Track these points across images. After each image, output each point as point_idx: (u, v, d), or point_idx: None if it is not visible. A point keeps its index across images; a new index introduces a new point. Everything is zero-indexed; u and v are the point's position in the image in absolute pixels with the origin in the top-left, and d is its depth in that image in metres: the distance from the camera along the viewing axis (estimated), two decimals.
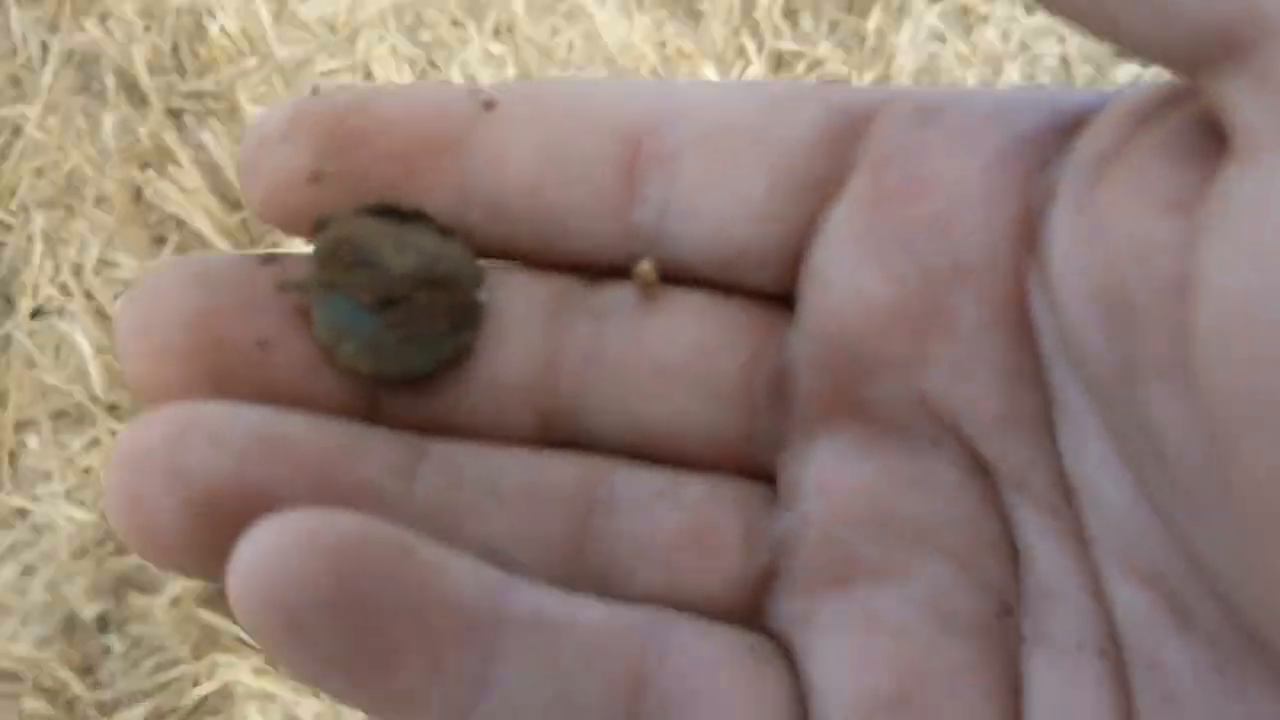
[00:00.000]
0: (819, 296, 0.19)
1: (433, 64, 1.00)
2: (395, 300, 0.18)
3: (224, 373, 0.18)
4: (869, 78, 0.99)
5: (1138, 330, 0.15)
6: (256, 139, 0.19)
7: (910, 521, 0.18)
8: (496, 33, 1.01)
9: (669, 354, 0.19)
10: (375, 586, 0.16)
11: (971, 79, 1.01)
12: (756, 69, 1.00)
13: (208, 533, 0.16)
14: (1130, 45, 0.15)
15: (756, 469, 0.19)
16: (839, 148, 0.19)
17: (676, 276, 0.19)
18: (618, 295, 0.19)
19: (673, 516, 0.19)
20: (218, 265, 0.18)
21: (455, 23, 1.02)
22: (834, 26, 1.03)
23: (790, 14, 1.04)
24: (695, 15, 1.04)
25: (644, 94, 0.20)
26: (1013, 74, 1.02)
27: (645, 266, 0.19)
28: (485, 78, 0.98)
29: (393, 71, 0.98)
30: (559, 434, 0.19)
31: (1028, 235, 0.17)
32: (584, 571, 0.18)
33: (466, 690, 0.16)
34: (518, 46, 1.01)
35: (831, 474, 0.18)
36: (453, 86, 0.19)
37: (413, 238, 0.19)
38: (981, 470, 0.18)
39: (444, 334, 0.19)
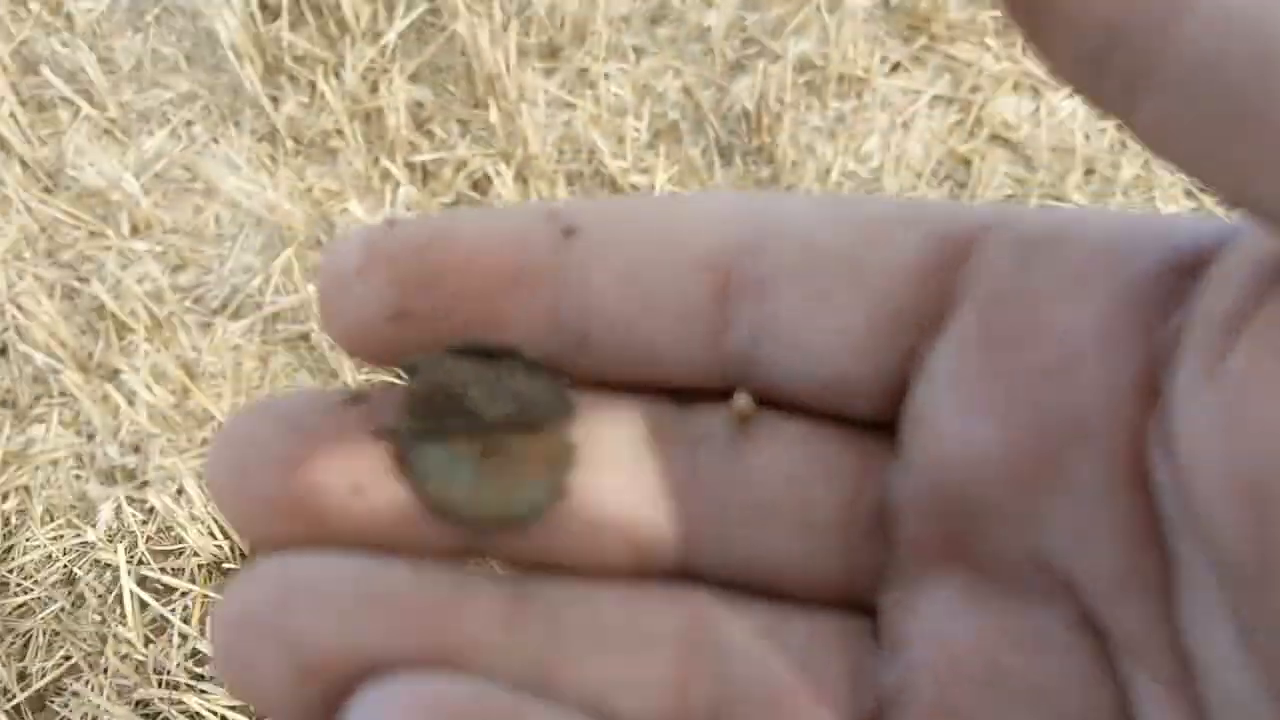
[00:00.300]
0: (926, 442, 0.18)
1: (81, 279, 0.98)
2: (492, 447, 0.18)
3: (321, 519, 0.17)
4: (514, 165, 1.02)
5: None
6: (333, 273, 0.18)
7: (1022, 682, 0.17)
8: (135, 230, 1.00)
9: (766, 488, 0.19)
10: None
11: (601, 135, 1.05)
12: (407, 189, 1.01)
13: (317, 695, 0.16)
14: (1264, 211, 0.14)
15: (856, 602, 0.19)
16: (939, 278, 0.18)
17: (771, 401, 0.19)
18: (712, 420, 0.19)
19: (778, 659, 0.18)
20: (303, 406, 0.18)
21: (93, 233, 1.00)
22: (464, 125, 1.06)
23: (420, 125, 1.06)
24: (331, 153, 1.05)
25: (728, 214, 0.19)
26: (645, 118, 1.07)
27: (742, 402, 0.19)
28: (135, 280, 0.96)
29: (43, 298, 0.96)
30: (657, 567, 0.19)
31: (1148, 390, 0.16)
32: (691, 715, 0.18)
33: None
34: (164, 237, 1.00)
35: (941, 626, 0.18)
36: (531, 211, 0.19)
37: (503, 379, 0.18)
38: (1095, 631, 0.17)
39: (540, 476, 0.18)
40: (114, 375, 0.94)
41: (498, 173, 1.01)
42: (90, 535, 0.89)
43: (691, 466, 0.19)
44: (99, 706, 0.82)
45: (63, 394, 0.94)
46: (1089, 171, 1.04)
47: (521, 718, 0.16)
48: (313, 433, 0.18)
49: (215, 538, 0.89)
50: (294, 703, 0.16)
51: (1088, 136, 1.06)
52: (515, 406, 0.18)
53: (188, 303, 0.97)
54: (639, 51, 1.12)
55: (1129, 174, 1.03)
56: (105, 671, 0.84)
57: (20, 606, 0.87)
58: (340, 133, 1.04)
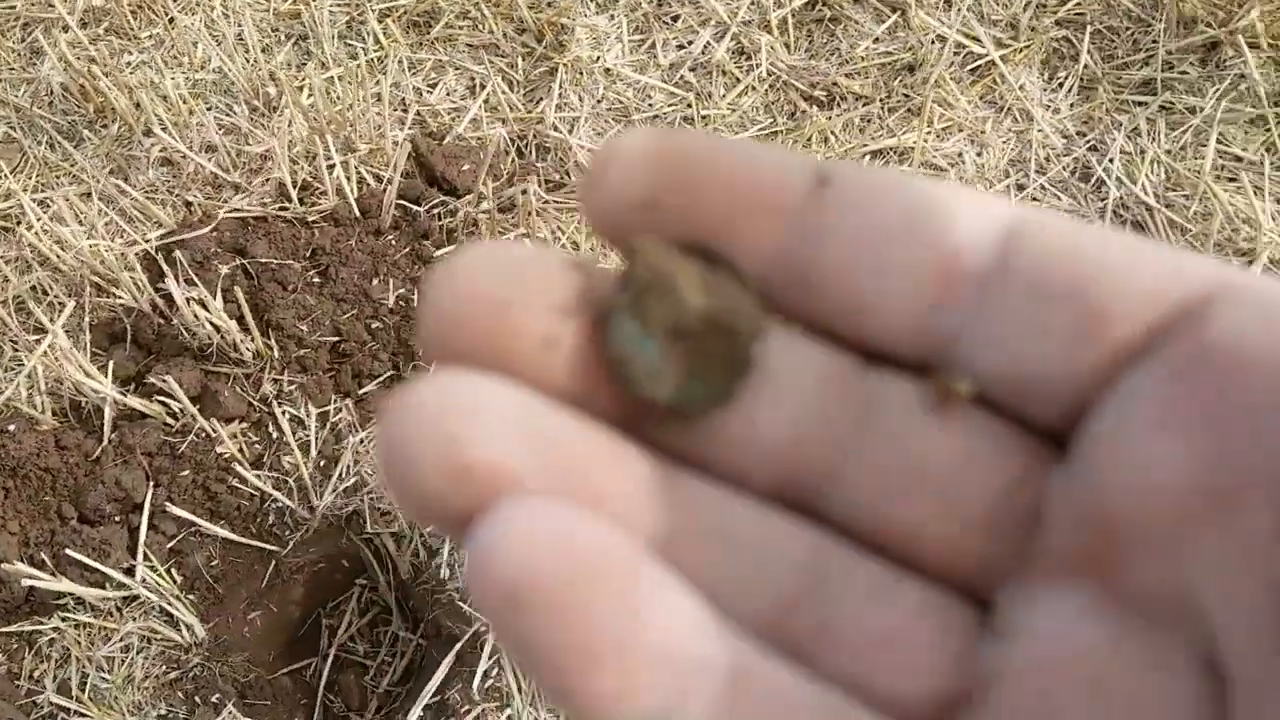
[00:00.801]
0: (1103, 457, 0.18)
1: None
2: (684, 335, 0.19)
3: (509, 358, 0.18)
4: None
5: None
6: (610, 155, 0.19)
7: (1128, 699, 0.17)
8: None
9: (928, 460, 0.19)
10: (593, 593, 0.16)
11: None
12: None
13: (461, 500, 0.17)
14: None
15: (972, 591, 0.19)
16: (1163, 311, 0.18)
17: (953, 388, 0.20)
18: (891, 388, 0.20)
19: (885, 613, 0.19)
20: (529, 259, 0.19)
21: None
22: None
23: None
24: None
25: (978, 212, 0.20)
26: None
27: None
28: None
29: None
30: (795, 500, 0.20)
31: None
32: (786, 637, 0.19)
33: (648, 716, 0.17)
34: None
35: (1064, 628, 0.18)
36: (794, 155, 0.20)
37: (713, 281, 0.19)
38: (1216, 674, 0.17)
39: (719, 377, 0.19)
40: None
41: None
42: None
43: (860, 421, 0.19)
44: None
45: None
46: None
47: (638, 576, 0.17)
48: (528, 283, 0.19)
49: None
50: (438, 500, 0.17)
51: None
52: (716, 305, 0.19)
53: None
54: None
55: None
56: None
57: None
58: None
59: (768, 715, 0.17)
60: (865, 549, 0.19)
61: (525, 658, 0.16)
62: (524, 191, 1.11)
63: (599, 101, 1.25)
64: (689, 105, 1.24)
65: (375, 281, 1.09)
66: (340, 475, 1.05)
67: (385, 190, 1.11)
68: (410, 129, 1.19)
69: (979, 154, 1.24)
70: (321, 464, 1.06)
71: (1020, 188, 1.21)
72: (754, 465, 0.19)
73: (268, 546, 1.05)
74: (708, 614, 0.18)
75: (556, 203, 1.17)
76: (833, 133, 1.24)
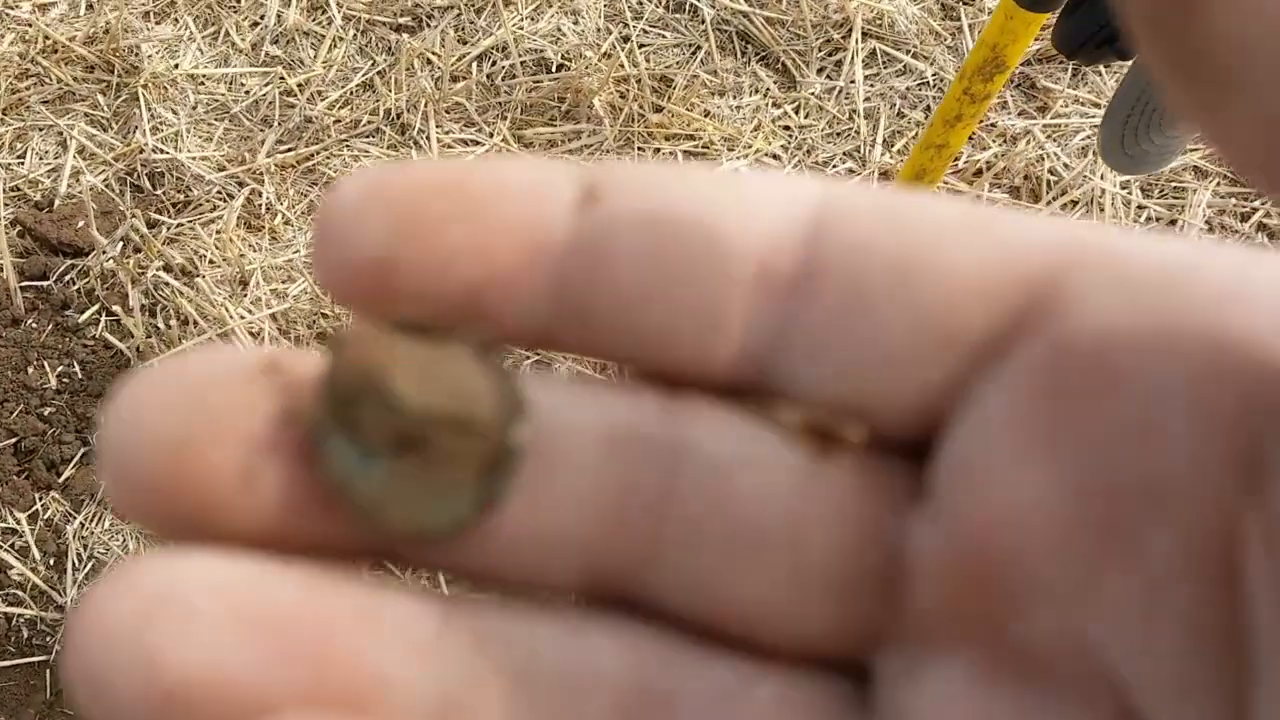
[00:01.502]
0: (965, 492, 0.16)
1: None
2: (411, 444, 0.16)
3: (205, 510, 0.15)
4: None
5: None
6: (332, 211, 0.16)
7: None
8: None
9: (756, 517, 0.16)
10: None
11: None
12: None
13: None
14: None
15: (842, 662, 0.17)
16: (1010, 300, 0.16)
17: (758, 416, 0.17)
18: (702, 430, 0.16)
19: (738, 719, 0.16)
20: (210, 373, 0.16)
21: None
22: None
23: None
24: None
25: (777, 202, 0.17)
26: None
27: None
28: None
29: None
30: (609, 595, 0.16)
31: (1248, 469, 0.14)
32: None
33: None
34: None
35: (950, 709, 0.16)
36: (553, 169, 0.17)
37: (441, 364, 0.16)
38: None
39: (469, 484, 0.16)
40: None
41: None
42: None
43: (670, 478, 0.16)
44: None
45: None
46: None
47: None
48: (209, 405, 0.15)
49: None
50: None
51: None
52: (446, 399, 0.16)
53: None
54: None
55: None
56: None
57: None
58: None
59: None
60: (704, 643, 0.16)
61: None
62: (133, 228, 1.08)
63: (194, 108, 1.22)
64: (283, 79, 1.23)
65: (30, 370, 1.05)
66: (74, 565, 1.03)
67: (4, 280, 1.07)
68: (9, 208, 1.15)
69: (575, 22, 1.26)
70: (51, 562, 1.03)
71: (624, 39, 1.24)
72: (547, 569, 0.16)
73: (35, 659, 1.03)
74: None
75: (189, 221, 1.15)
76: (433, 52, 1.24)
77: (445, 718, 0.15)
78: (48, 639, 1.03)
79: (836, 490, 0.16)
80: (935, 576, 0.16)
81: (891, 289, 0.16)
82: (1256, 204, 1.11)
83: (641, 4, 1.27)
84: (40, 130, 1.22)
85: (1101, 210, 1.12)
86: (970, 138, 1.09)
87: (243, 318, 1.08)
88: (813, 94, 1.21)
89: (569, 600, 0.17)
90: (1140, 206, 1.12)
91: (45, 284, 1.10)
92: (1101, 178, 1.12)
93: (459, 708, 0.15)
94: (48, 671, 1.04)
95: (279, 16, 1.26)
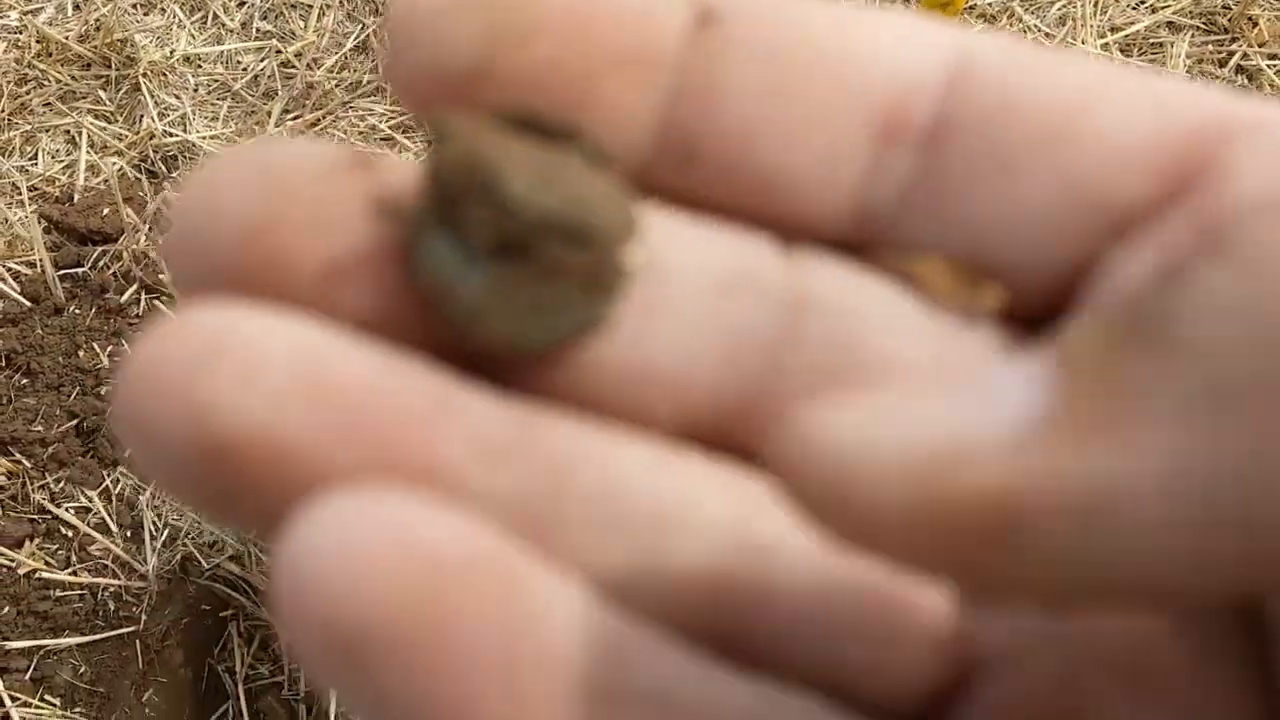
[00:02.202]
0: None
1: None
2: (519, 249, 0.14)
3: (281, 298, 0.14)
4: None
5: None
6: (413, 10, 0.14)
7: None
8: None
9: (884, 371, 0.15)
10: (467, 626, 0.12)
11: None
12: None
13: (229, 486, 0.13)
14: None
15: None
16: (1164, 170, 0.14)
17: (894, 269, 0.16)
18: (829, 282, 0.15)
19: (843, 597, 0.15)
20: (295, 161, 0.14)
21: None
22: None
23: None
24: None
25: (918, 46, 0.15)
26: None
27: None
28: None
29: None
30: (710, 442, 0.15)
31: None
32: (717, 628, 0.14)
33: None
34: None
35: None
36: None
37: (555, 168, 0.15)
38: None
39: (574, 300, 0.15)
40: None
41: None
42: None
43: (788, 330, 0.15)
44: None
45: None
46: None
47: (522, 588, 0.13)
48: (295, 193, 0.14)
49: None
50: (199, 485, 0.13)
51: None
52: (561, 205, 0.14)
53: None
54: None
55: None
56: None
57: None
58: None
59: None
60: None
61: (374, 711, 0.12)
62: (164, 201, 1.11)
63: (196, 90, 1.24)
64: (279, 51, 1.26)
65: (82, 354, 1.08)
66: (150, 535, 1.06)
67: (41, 271, 1.10)
68: (31, 206, 1.17)
69: None
70: (128, 534, 1.07)
71: None
72: (647, 406, 0.15)
73: (124, 630, 1.06)
74: (620, 624, 0.13)
75: None
76: None
77: (521, 528, 0.14)
78: (134, 609, 1.07)
79: (970, 356, 0.15)
80: None
81: (1037, 149, 0.15)
82: (1232, 48, 1.16)
83: None
84: (47, 131, 1.24)
85: None
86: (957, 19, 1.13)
87: None
88: None
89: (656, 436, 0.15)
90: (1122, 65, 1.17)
91: (81, 271, 1.13)
92: (1083, 42, 1.17)
93: (539, 524, 0.14)
94: (138, 642, 1.07)
95: None
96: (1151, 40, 1.18)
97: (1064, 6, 1.19)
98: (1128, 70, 0.15)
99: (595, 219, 0.15)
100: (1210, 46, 1.17)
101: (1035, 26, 1.19)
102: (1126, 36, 1.16)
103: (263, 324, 0.13)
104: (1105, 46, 1.17)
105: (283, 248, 0.14)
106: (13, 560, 1.03)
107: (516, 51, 0.14)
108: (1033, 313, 0.15)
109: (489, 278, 0.14)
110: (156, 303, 1.11)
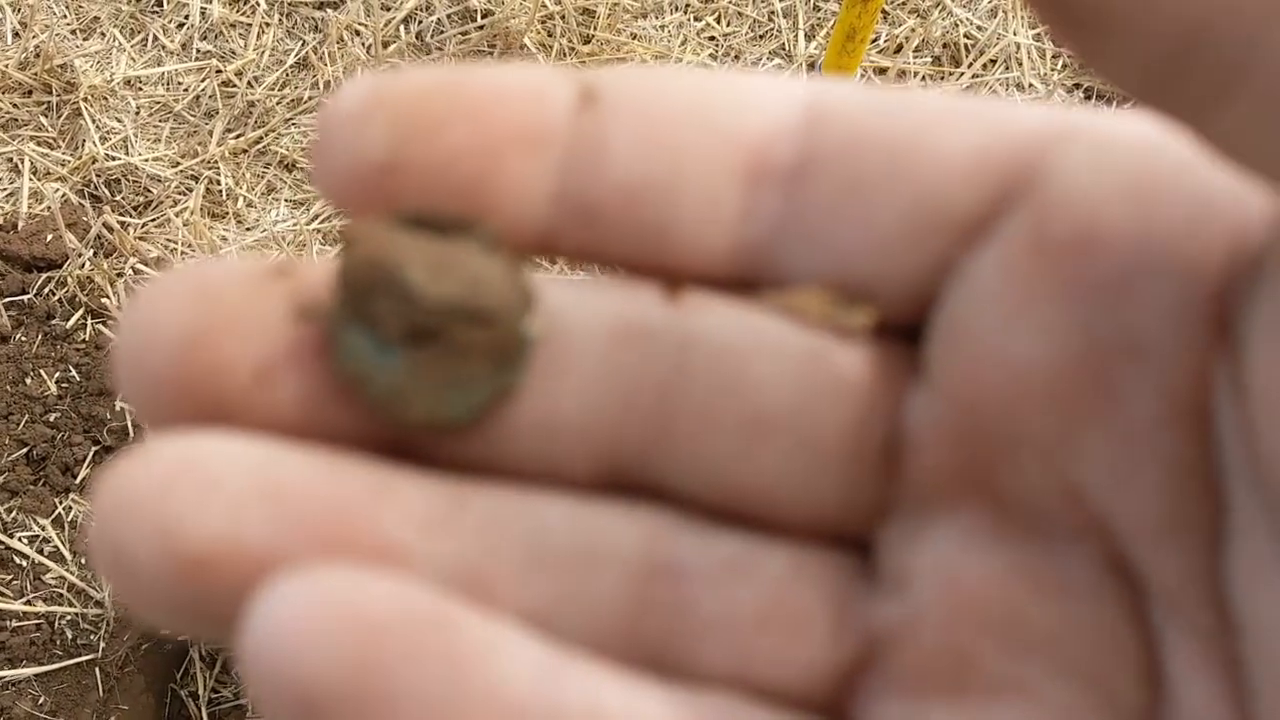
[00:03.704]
0: (958, 358, 0.16)
1: None
2: (427, 335, 0.16)
3: (220, 404, 0.15)
4: None
5: None
6: (332, 117, 0.16)
7: (1040, 630, 0.16)
8: None
9: (762, 401, 0.17)
10: (410, 671, 0.14)
11: None
12: None
13: (202, 595, 0.14)
14: None
15: (848, 538, 0.17)
16: (996, 180, 0.16)
17: (773, 303, 0.17)
18: (708, 322, 0.17)
19: (748, 592, 0.16)
20: (221, 276, 0.16)
21: None
22: None
23: None
24: None
25: (773, 95, 0.17)
26: None
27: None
28: None
29: None
30: (620, 481, 0.17)
31: (1219, 320, 0.15)
32: (639, 648, 0.16)
33: None
34: None
35: (953, 563, 0.16)
36: (549, 73, 0.17)
37: (453, 257, 0.16)
38: (1127, 580, 0.16)
39: (484, 375, 0.16)
40: None
41: None
42: None
43: (679, 368, 0.17)
44: None
45: None
46: None
47: (459, 632, 0.14)
48: (224, 305, 0.16)
49: None
50: (174, 599, 0.15)
51: None
52: (461, 290, 0.16)
53: None
54: None
55: None
56: None
57: None
58: None
59: None
60: (716, 521, 0.17)
61: None
62: (106, 225, 1.11)
63: (138, 113, 1.24)
64: (219, 71, 1.25)
65: (29, 381, 1.08)
66: None
67: None
68: None
69: None
70: (83, 562, 1.06)
71: None
72: (562, 457, 0.17)
73: (83, 659, 1.06)
74: (547, 651, 0.15)
75: (156, 219, 1.17)
76: (360, 24, 1.27)
77: (462, 587, 0.15)
78: (92, 637, 1.06)
79: (840, 373, 0.17)
80: (932, 442, 0.16)
81: (886, 175, 0.16)
82: None
83: None
84: None
85: (1020, 65, 1.18)
86: (885, 15, 1.14)
87: None
88: (731, 2, 1.26)
89: (580, 487, 0.17)
90: (1055, 55, 1.19)
91: (26, 298, 1.12)
92: (1014, 34, 1.18)
93: (476, 578, 0.16)
94: (97, 670, 1.06)
95: (203, 13, 1.28)
96: None
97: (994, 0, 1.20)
98: (962, 99, 0.17)
99: (492, 299, 0.16)
100: None
101: (967, 20, 1.21)
102: None
103: (215, 446, 0.15)
104: (1038, 37, 1.18)
105: (216, 355, 0.15)
106: None
107: (424, 144, 0.16)
108: (901, 322, 0.17)
109: (403, 363, 0.16)
110: (102, 328, 1.11)
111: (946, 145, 0.16)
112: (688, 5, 1.26)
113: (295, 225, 1.17)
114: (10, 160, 1.23)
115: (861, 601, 0.17)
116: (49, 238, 1.15)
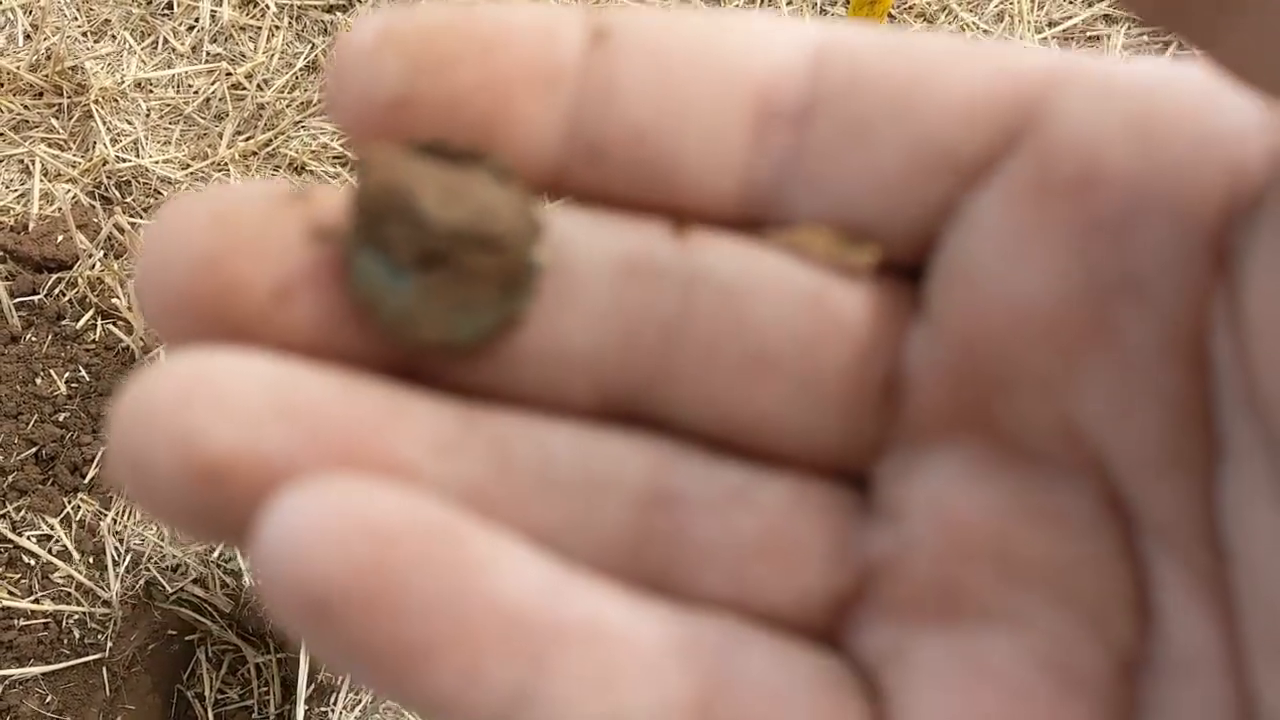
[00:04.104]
0: (958, 293, 0.16)
1: None
2: (437, 260, 0.16)
3: (240, 324, 0.16)
4: None
5: None
6: (346, 53, 0.17)
7: (1034, 560, 0.16)
8: None
9: (766, 338, 0.17)
10: (416, 577, 0.14)
11: None
12: None
13: (217, 504, 0.15)
14: None
15: (846, 473, 0.17)
16: (998, 121, 0.16)
17: (779, 241, 0.17)
18: (713, 258, 0.17)
19: (748, 520, 0.17)
20: (240, 199, 0.16)
21: None
22: None
23: None
24: None
25: (781, 38, 0.17)
26: None
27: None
28: None
29: None
30: (623, 412, 0.17)
31: (1218, 256, 0.15)
32: (641, 572, 0.17)
33: (506, 701, 0.15)
34: None
35: (948, 495, 0.16)
36: (562, 12, 0.17)
37: (464, 185, 0.16)
38: (1121, 512, 0.16)
39: (491, 300, 0.17)
40: None
41: None
42: None
43: (684, 304, 0.17)
44: None
45: None
46: None
47: (462, 543, 0.15)
48: (242, 226, 0.16)
49: None
50: (191, 508, 0.15)
51: None
52: (470, 217, 0.16)
53: None
54: None
55: None
56: None
57: None
58: None
59: (641, 667, 0.15)
60: (717, 453, 0.17)
61: (351, 666, 0.14)
62: (116, 226, 1.11)
63: (148, 115, 1.25)
64: (228, 74, 1.26)
65: (38, 381, 1.08)
66: (113, 560, 1.06)
67: None
68: None
69: None
70: (91, 561, 1.06)
71: None
72: (567, 385, 0.17)
73: (90, 658, 1.06)
74: (550, 568, 0.16)
75: None
76: None
77: (470, 507, 0.16)
78: (99, 636, 1.06)
79: (842, 311, 0.17)
80: (930, 379, 0.17)
81: (890, 116, 0.16)
82: (1167, 38, 1.18)
83: None
84: (1, 161, 1.24)
85: None
86: (891, 18, 1.15)
87: None
88: (737, 8, 1.26)
89: (585, 416, 0.17)
90: None
91: (36, 299, 1.12)
92: (1020, 37, 1.18)
93: (483, 500, 0.16)
94: (104, 669, 1.06)
95: (214, 16, 1.29)
96: (1089, 33, 1.20)
97: (1001, 4, 1.20)
98: (967, 41, 0.17)
99: (500, 225, 0.16)
100: (1146, 37, 1.19)
101: (974, 24, 1.21)
102: (1064, 30, 1.18)
103: (233, 362, 0.15)
104: (1044, 40, 1.19)
105: (235, 275, 0.16)
106: None
107: (436, 79, 0.16)
108: (904, 262, 0.17)
109: (414, 287, 0.16)
110: (112, 328, 1.11)
111: (950, 86, 0.16)
112: None
113: None
114: (21, 162, 1.24)
115: (858, 533, 0.17)
116: (59, 239, 1.15)
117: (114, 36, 1.29)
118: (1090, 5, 1.18)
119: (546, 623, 0.15)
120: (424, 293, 0.16)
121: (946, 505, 0.16)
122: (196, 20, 1.29)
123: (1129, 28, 1.20)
